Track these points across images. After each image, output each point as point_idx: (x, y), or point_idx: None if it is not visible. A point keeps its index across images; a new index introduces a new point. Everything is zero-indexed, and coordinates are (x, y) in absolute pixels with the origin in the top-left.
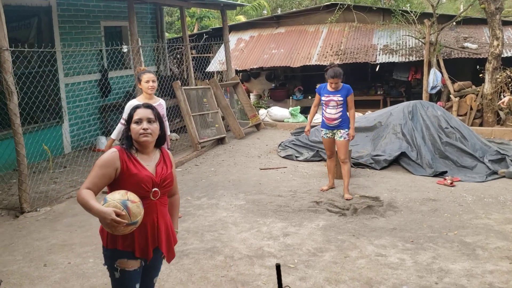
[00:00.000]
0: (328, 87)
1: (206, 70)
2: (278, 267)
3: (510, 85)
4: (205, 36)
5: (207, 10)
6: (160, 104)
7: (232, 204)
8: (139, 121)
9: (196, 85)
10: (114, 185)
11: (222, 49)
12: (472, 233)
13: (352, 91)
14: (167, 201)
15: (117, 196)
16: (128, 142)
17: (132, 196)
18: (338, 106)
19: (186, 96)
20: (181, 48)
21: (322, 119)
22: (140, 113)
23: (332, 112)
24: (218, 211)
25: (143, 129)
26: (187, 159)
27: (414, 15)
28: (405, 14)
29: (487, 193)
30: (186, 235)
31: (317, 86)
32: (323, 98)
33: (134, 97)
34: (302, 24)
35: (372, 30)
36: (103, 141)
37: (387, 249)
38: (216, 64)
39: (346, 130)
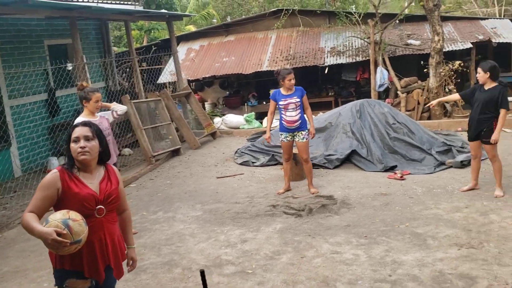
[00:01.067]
0: (282, 91)
1: (158, 82)
2: (202, 272)
3: (453, 78)
4: (153, 48)
5: (155, 22)
6: (102, 117)
7: (189, 215)
8: (76, 140)
9: (146, 97)
10: (58, 205)
11: (172, 60)
12: (423, 223)
13: (305, 92)
14: (115, 218)
15: (58, 216)
16: (70, 162)
17: (73, 215)
18: (297, 108)
19: (136, 110)
20: (130, 61)
21: (281, 123)
22: (77, 132)
23: (293, 115)
24: (175, 224)
25: (81, 147)
26: (141, 173)
27: (357, 16)
28: (349, 15)
29: (436, 183)
30: (142, 250)
31: (270, 92)
32: (280, 103)
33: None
34: (251, 31)
35: (319, 33)
36: (54, 162)
37: (342, 246)
38: (167, 75)
39: (306, 131)
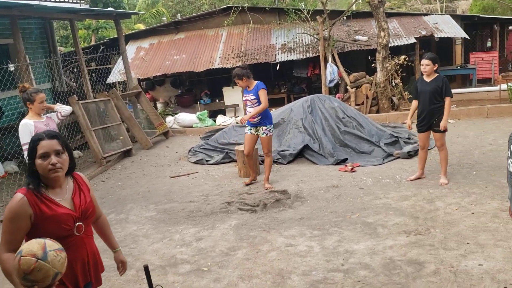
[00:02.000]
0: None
1: (107, 82)
2: (146, 268)
3: (399, 72)
4: (102, 47)
5: (103, 21)
6: (48, 118)
7: (142, 216)
8: (45, 156)
9: (95, 98)
10: (31, 232)
11: (121, 59)
12: (373, 213)
13: (261, 86)
14: (91, 231)
15: (35, 251)
16: (35, 181)
17: (50, 245)
18: (253, 105)
19: (85, 111)
20: (78, 61)
21: None
22: (44, 146)
23: (250, 111)
24: (127, 225)
25: (52, 164)
26: (92, 175)
27: (306, 12)
28: (298, 12)
29: (385, 174)
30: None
31: (223, 90)
32: (243, 98)
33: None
34: (202, 28)
35: (270, 30)
36: None
37: (296, 238)
38: (116, 74)
39: (268, 126)
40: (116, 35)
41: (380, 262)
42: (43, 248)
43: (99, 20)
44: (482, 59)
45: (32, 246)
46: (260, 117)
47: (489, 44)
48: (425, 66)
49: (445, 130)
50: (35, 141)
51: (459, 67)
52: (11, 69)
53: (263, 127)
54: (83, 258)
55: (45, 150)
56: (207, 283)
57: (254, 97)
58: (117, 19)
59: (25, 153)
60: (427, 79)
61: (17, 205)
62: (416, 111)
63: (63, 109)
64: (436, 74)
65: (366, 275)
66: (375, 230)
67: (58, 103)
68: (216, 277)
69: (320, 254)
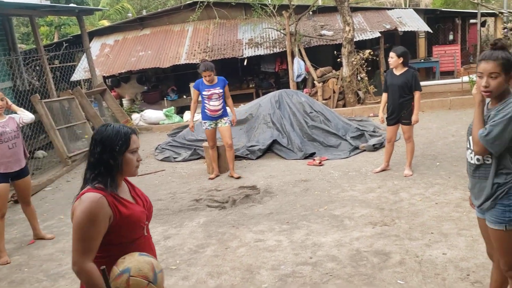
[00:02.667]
0: (205, 82)
1: (71, 79)
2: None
3: (364, 66)
4: (65, 44)
5: (65, 17)
6: (10, 118)
7: None
8: (136, 151)
9: (59, 96)
10: (104, 236)
11: (85, 57)
12: (340, 205)
13: (227, 81)
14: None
15: (146, 272)
16: (113, 180)
17: (157, 265)
18: (220, 98)
19: (48, 110)
20: (40, 59)
21: (204, 112)
22: (136, 141)
23: (216, 104)
24: None
25: (139, 160)
26: (57, 176)
27: (272, 7)
28: (264, 7)
29: (351, 167)
30: (61, 255)
31: (190, 86)
32: (204, 92)
33: None
34: (167, 24)
35: (236, 25)
36: None
37: (265, 233)
38: (81, 72)
39: (227, 117)
40: (79, 32)
41: (347, 254)
42: (153, 270)
43: (62, 17)
44: (445, 52)
45: (142, 266)
46: (222, 109)
47: (451, 37)
48: (390, 58)
49: (416, 123)
50: (127, 134)
51: (422, 60)
52: None
53: (224, 118)
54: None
55: (137, 145)
56: (176, 281)
57: (222, 90)
58: (80, 16)
59: None
60: (397, 73)
61: (97, 205)
62: (382, 105)
63: (26, 117)
64: (406, 68)
65: (334, 267)
66: (342, 222)
67: (22, 109)
68: (185, 275)
69: (289, 248)
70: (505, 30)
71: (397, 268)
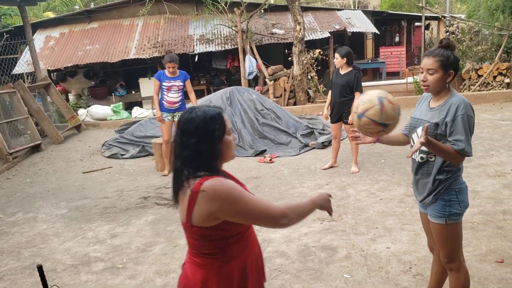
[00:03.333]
0: (167, 73)
1: (13, 73)
2: (39, 268)
3: (314, 65)
4: (5, 36)
5: (6, 7)
6: None
7: (52, 214)
8: (230, 131)
9: None
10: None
11: (28, 49)
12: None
13: (189, 76)
14: None
15: (376, 92)
16: (218, 169)
17: (390, 97)
18: (179, 91)
19: None
20: None
21: (162, 103)
22: (228, 120)
23: (174, 96)
24: (36, 224)
25: (234, 139)
26: None
27: (224, 4)
28: (215, 3)
29: (301, 164)
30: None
31: (139, 81)
32: (164, 84)
33: None
34: (116, 18)
35: (188, 21)
36: None
37: None
38: (23, 65)
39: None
40: (22, 23)
41: (296, 249)
42: (382, 93)
43: (2, 6)
44: (391, 53)
45: (375, 91)
46: (180, 102)
47: (397, 39)
48: (335, 59)
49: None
50: (220, 115)
51: (370, 61)
52: None
53: (181, 112)
54: (259, 252)
55: (230, 124)
56: (123, 280)
57: (182, 83)
58: (22, 6)
59: None
60: (342, 72)
61: (231, 183)
62: (327, 104)
63: None
64: (350, 68)
65: (282, 263)
66: None
67: None
68: (132, 274)
69: None
70: (447, 33)
71: (344, 262)
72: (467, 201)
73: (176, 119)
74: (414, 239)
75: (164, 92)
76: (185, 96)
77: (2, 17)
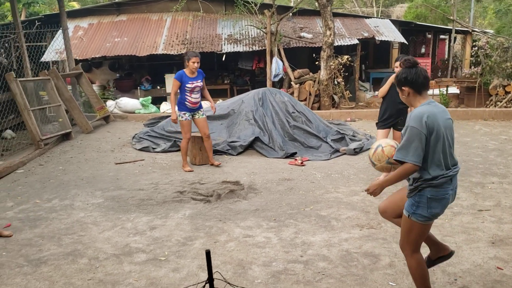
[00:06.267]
0: (188, 73)
1: (42, 60)
2: (208, 253)
3: (342, 71)
4: (37, 23)
5: None
6: None
7: (89, 203)
8: None
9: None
10: None
11: (59, 37)
12: (326, 206)
13: (204, 74)
14: None
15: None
16: None
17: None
18: (200, 91)
19: (22, 89)
20: (9, 36)
21: (184, 104)
22: None
23: (197, 97)
24: (74, 212)
25: None
26: (29, 158)
27: (255, 5)
28: (246, 4)
29: (333, 169)
30: (40, 241)
31: (165, 77)
32: (188, 85)
33: None
34: (145, 12)
35: (216, 20)
36: None
37: (253, 229)
38: (52, 53)
39: (202, 109)
40: (49, 12)
41: (337, 254)
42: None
43: None
44: None
45: (388, 141)
46: (200, 101)
47: (423, 50)
48: (396, 67)
49: None
50: None
51: (394, 70)
52: None
53: (201, 110)
54: None
55: None
56: (166, 273)
57: (202, 84)
58: None
59: None
60: None
61: None
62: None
63: None
64: None
65: (325, 267)
66: (330, 223)
67: None
68: (175, 267)
69: (279, 246)
70: (476, 48)
71: (388, 270)
72: (438, 210)
73: (196, 116)
74: (456, 251)
75: (187, 94)
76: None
77: (31, 4)
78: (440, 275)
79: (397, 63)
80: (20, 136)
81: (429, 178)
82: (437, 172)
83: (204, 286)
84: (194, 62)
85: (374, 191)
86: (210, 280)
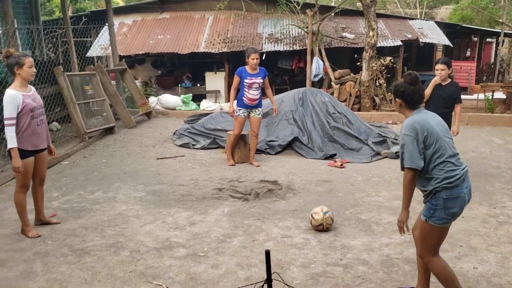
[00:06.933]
0: (249, 70)
1: (87, 55)
2: (267, 253)
3: (384, 72)
4: (84, 19)
5: None
6: (35, 91)
7: (131, 196)
8: None
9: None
10: None
11: (104, 33)
12: (366, 210)
13: (267, 73)
14: None
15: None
16: None
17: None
18: (259, 88)
19: (69, 83)
20: (57, 31)
21: (242, 100)
22: None
23: (255, 93)
24: (116, 204)
25: None
26: (74, 151)
27: (297, 5)
28: (288, 3)
29: (374, 172)
30: (84, 232)
31: (206, 75)
32: (246, 80)
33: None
34: (188, 10)
35: (257, 18)
36: None
37: (291, 230)
38: (97, 49)
39: (261, 108)
40: (94, 8)
41: (378, 259)
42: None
43: None
44: (461, 67)
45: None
46: (259, 99)
47: (468, 53)
48: (441, 70)
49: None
50: None
51: None
52: None
53: (258, 108)
54: None
55: None
56: (205, 269)
57: (262, 80)
58: None
59: (8, 128)
60: (443, 83)
61: None
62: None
63: None
64: (450, 80)
65: (365, 271)
66: (370, 227)
67: None
68: (214, 263)
69: (317, 248)
70: None
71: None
72: (456, 210)
73: (252, 114)
74: (502, 262)
75: (245, 89)
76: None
77: (78, 0)
78: (485, 285)
79: (438, 66)
80: (65, 129)
81: (441, 179)
82: (447, 173)
83: (262, 286)
84: (253, 59)
85: (402, 223)
86: (269, 280)
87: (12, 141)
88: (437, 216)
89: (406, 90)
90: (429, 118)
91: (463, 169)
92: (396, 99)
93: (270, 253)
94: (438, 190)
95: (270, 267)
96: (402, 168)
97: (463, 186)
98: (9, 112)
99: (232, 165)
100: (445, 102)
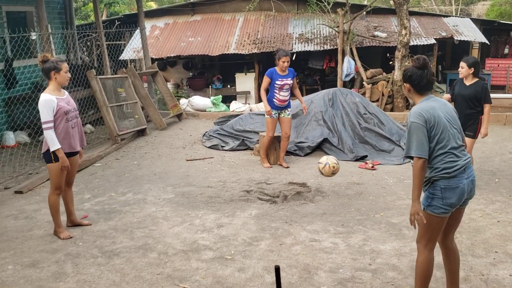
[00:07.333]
0: (279, 71)
1: (120, 58)
2: (277, 269)
3: None
4: (117, 23)
5: None
6: (69, 95)
7: (160, 198)
8: None
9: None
10: None
11: (136, 37)
12: (397, 213)
13: (296, 73)
14: None
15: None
16: None
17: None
18: (289, 89)
19: (102, 86)
20: (91, 35)
21: (272, 101)
22: None
23: (286, 95)
24: (146, 206)
25: None
26: (107, 153)
27: (328, 4)
28: (319, 3)
29: (406, 175)
30: (114, 233)
31: (236, 76)
32: (277, 82)
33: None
34: (218, 12)
35: (287, 19)
36: (11, 136)
37: (319, 234)
38: (130, 52)
39: (290, 108)
40: (128, 12)
41: (408, 264)
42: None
43: None
44: (498, 65)
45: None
46: (289, 100)
47: (506, 50)
48: (460, 68)
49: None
50: None
51: None
52: (33, 37)
53: (288, 109)
54: None
55: None
56: (232, 272)
57: (292, 82)
58: None
59: (49, 131)
60: (467, 83)
61: None
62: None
63: None
64: (476, 79)
65: (395, 277)
66: (401, 231)
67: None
68: (241, 267)
69: (346, 252)
70: None
71: (462, 284)
72: (454, 200)
73: (282, 115)
74: None
75: (276, 91)
76: None
77: (112, 4)
78: None
79: (463, 64)
80: (99, 131)
81: (440, 169)
82: (447, 163)
83: None
84: (284, 62)
85: (415, 215)
86: None
87: (54, 143)
88: (434, 205)
89: (414, 74)
90: (437, 107)
91: (464, 160)
92: (405, 83)
93: (279, 269)
94: (436, 179)
95: (280, 284)
96: (406, 156)
97: (463, 177)
98: (46, 115)
99: (269, 167)
100: (469, 103)
